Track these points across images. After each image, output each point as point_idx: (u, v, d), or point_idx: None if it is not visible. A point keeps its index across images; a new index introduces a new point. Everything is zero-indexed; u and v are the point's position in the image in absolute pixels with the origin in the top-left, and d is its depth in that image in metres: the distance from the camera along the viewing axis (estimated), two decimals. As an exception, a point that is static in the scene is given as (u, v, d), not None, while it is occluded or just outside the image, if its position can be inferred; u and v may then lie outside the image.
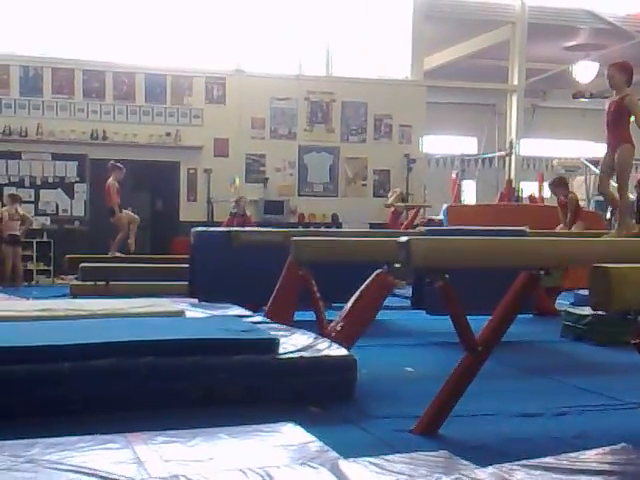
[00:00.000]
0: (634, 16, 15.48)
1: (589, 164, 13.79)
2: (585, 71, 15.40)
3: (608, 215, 13.41)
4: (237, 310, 5.56)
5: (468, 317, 3.52)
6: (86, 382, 3.63)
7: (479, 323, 3.57)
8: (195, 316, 5.24)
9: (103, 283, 8.69)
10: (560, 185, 8.99)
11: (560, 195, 8.94)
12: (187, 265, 7.46)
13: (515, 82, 15.03)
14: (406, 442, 3.27)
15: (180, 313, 5.16)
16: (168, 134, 13.25)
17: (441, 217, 10.63)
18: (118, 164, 10.59)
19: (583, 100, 13.02)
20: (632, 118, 5.80)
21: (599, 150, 19.61)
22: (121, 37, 13.18)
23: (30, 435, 2.79)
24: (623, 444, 2.67)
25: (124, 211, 10.68)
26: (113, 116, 13.09)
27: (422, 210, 13.57)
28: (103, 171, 11.05)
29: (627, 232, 5.93)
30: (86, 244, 11.77)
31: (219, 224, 11.74)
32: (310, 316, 5.38)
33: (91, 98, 13.01)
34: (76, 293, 8.64)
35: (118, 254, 10.45)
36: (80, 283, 9.01)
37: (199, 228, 7.59)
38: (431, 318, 6.68)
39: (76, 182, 12.96)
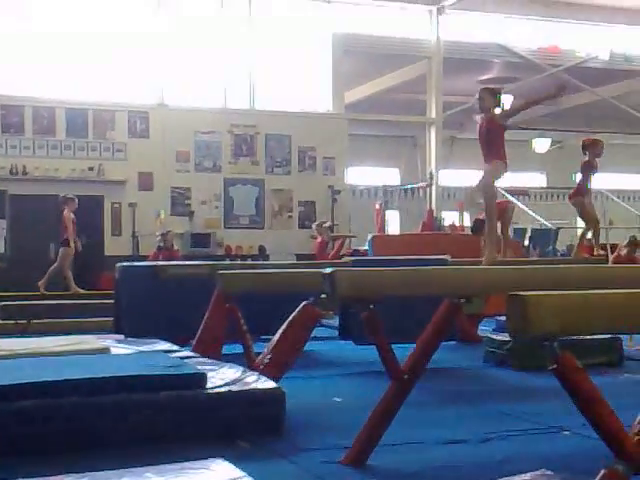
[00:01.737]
0: (545, 50, 16.14)
1: (506, 193, 14.21)
2: (521, 101, 15.89)
3: (526, 242, 13.84)
4: (164, 345, 5.49)
5: (395, 346, 3.58)
6: (7, 424, 3.54)
7: (406, 352, 3.64)
8: (121, 353, 5.16)
9: (25, 322, 8.47)
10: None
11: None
12: (112, 300, 7.35)
13: (433, 115, 15.44)
14: (335, 474, 3.29)
15: (105, 350, 5.07)
16: (91, 169, 13.08)
17: (366, 247, 10.77)
18: (70, 195, 10.70)
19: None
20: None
21: (516, 179, 20.23)
22: (40, 71, 12.99)
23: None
24: (543, 469, 2.76)
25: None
26: (33, 151, 12.86)
27: (348, 240, 13.71)
28: (24, 207, 10.89)
29: (490, 260, 6.07)
30: (6, 282, 11.45)
31: (145, 258, 11.62)
32: (239, 349, 5.37)
33: (10, 133, 12.77)
34: (-4, 333, 8.39)
35: (44, 291, 10.32)
36: (0, 322, 8.76)
37: (124, 263, 7.51)
38: (358, 348, 6.74)
39: (-5, 218, 12.64)
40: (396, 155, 19.86)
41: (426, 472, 3.39)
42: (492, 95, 6.18)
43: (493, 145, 6.10)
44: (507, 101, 15.75)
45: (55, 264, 10.70)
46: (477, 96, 6.22)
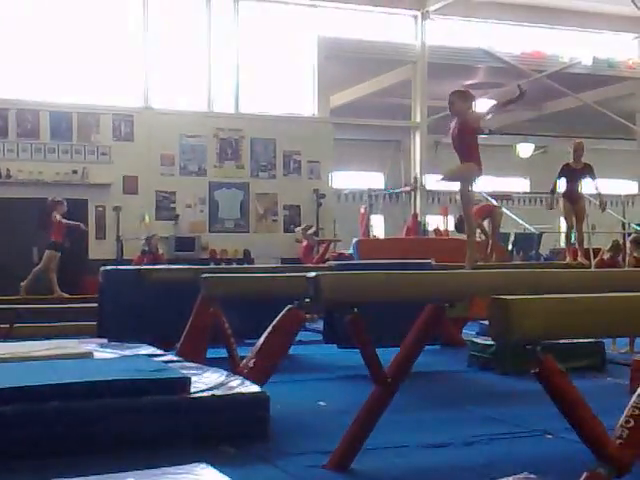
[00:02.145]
0: (529, 55, 16.23)
1: (489, 197, 14.27)
2: (489, 105, 15.98)
3: (510, 247, 13.91)
4: (148, 349, 5.47)
5: (379, 350, 3.59)
6: (-10, 430, 3.52)
7: (390, 355, 3.64)
8: (104, 357, 5.14)
9: (7, 326, 8.41)
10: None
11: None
12: (96, 304, 7.32)
13: (418, 119, 15.48)
14: (319, 478, 3.30)
15: (88, 354, 5.05)
16: (75, 172, 13.01)
17: (351, 251, 10.79)
18: (58, 199, 10.73)
19: (483, 136, 13.43)
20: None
21: (499, 184, 20.28)
22: (24, 74, 12.92)
23: None
24: (526, 473, 2.77)
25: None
26: (17, 154, 12.78)
27: (332, 244, 13.72)
28: (7, 210, 10.84)
29: (471, 261, 6.04)
30: (-12, 286, 11.37)
31: (129, 262, 11.57)
32: (223, 353, 5.36)
33: (-7, 136, 12.71)
34: (-22, 337, 8.32)
35: (25, 294, 10.32)
36: (-18, 326, 8.69)
37: (108, 266, 7.48)
38: (343, 351, 6.75)
39: (-22, 222, 12.55)
40: (381, 159, 19.89)
41: (410, 476, 3.40)
42: (463, 98, 6.07)
43: (466, 149, 5.98)
44: (489, 105, 15.89)
45: (39, 265, 10.67)
46: (448, 100, 6.12)
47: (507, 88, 15.56)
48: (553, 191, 8.27)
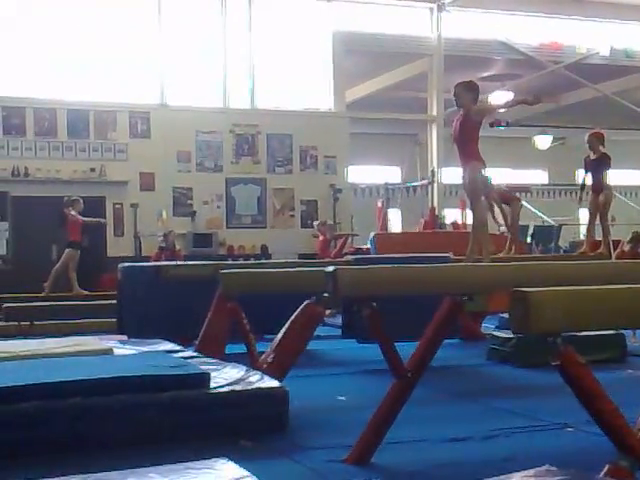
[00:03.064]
0: (546, 46, 16.12)
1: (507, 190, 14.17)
2: (501, 101, 15.90)
3: (529, 239, 13.83)
4: (167, 345, 5.49)
5: (398, 344, 3.58)
6: (10, 426, 3.54)
7: (410, 349, 3.63)
8: (124, 353, 5.16)
9: (27, 323, 8.48)
10: None
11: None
12: (115, 301, 7.36)
13: (434, 112, 15.43)
14: (339, 472, 3.29)
15: (108, 351, 5.07)
16: (92, 169, 13.09)
17: (369, 245, 10.77)
18: (73, 197, 10.98)
19: (500, 129, 13.43)
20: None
21: (516, 176, 20.17)
22: (41, 72, 13.00)
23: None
24: (547, 466, 2.75)
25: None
26: (35, 152, 12.88)
27: (350, 239, 13.71)
28: (26, 208, 10.93)
29: (485, 254, 5.98)
30: (9, 284, 11.47)
31: (147, 259, 11.63)
32: (242, 349, 5.37)
33: (11, 135, 12.78)
34: (-1, 335, 8.39)
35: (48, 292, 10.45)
36: (3, 324, 8.77)
37: (126, 263, 7.51)
38: (362, 346, 6.73)
39: (-3, 220, 12.67)
40: (397, 153, 19.85)
41: (430, 470, 3.38)
42: (468, 90, 5.84)
43: (468, 144, 5.82)
44: (507, 99, 15.79)
45: (57, 264, 10.78)
46: (454, 92, 5.95)
47: (523, 80, 15.49)
48: (583, 187, 8.23)
